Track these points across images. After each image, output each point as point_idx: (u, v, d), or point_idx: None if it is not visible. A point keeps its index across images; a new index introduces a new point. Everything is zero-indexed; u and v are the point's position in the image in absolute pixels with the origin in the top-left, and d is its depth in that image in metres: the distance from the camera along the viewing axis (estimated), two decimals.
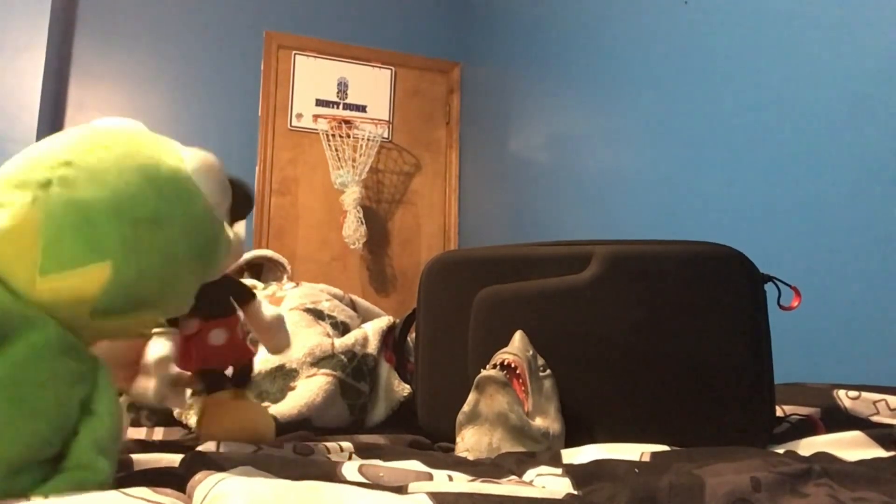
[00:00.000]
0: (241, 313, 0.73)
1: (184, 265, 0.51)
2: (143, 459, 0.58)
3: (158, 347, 0.67)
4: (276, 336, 0.72)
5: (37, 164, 0.49)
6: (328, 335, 0.99)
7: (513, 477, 0.55)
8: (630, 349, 0.79)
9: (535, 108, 2.75)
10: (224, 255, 0.59)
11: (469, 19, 3.49)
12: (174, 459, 0.60)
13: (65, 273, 0.44)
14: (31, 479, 0.43)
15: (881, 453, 0.67)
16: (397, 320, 1.08)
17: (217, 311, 0.72)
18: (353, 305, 1.16)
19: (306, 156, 3.27)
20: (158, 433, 0.90)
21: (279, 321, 0.73)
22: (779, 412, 0.87)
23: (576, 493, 0.49)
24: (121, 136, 0.53)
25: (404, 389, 0.97)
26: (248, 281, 0.80)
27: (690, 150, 1.87)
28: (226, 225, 0.59)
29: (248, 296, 0.74)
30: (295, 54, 3.29)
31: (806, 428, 0.82)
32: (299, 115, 3.27)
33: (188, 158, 0.55)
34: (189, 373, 0.70)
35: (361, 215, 3.12)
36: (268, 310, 0.73)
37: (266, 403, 0.85)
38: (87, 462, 0.45)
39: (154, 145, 0.54)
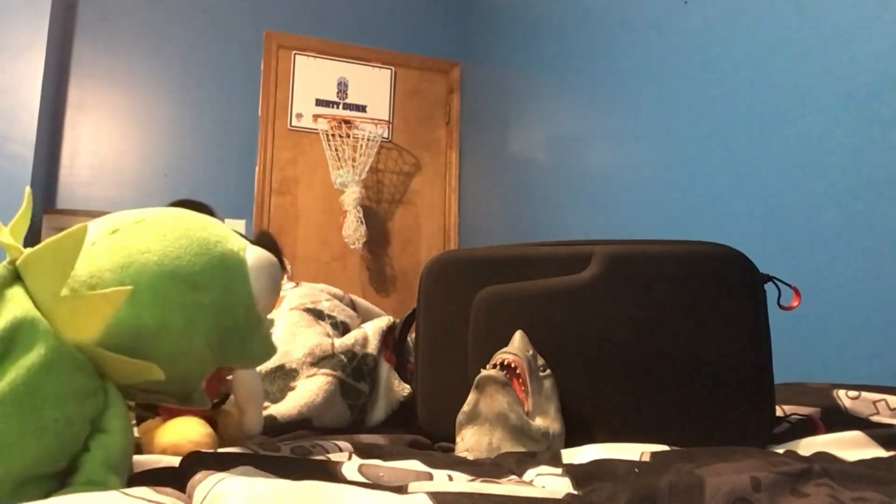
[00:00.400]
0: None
1: (204, 337, 0.52)
2: (142, 460, 0.58)
3: (251, 380, 0.68)
4: (248, 412, 0.68)
5: (118, 218, 0.53)
6: (328, 335, 0.99)
7: (513, 477, 0.55)
8: (630, 349, 0.79)
9: (535, 108, 2.75)
10: (253, 352, 0.59)
11: (469, 19, 3.49)
12: (174, 460, 0.60)
13: (88, 293, 0.46)
14: (37, 493, 0.43)
15: (881, 453, 0.67)
16: (397, 320, 1.08)
17: None
18: (353, 305, 1.16)
19: (306, 156, 3.27)
20: None
21: (258, 399, 0.70)
22: (779, 412, 0.87)
23: (576, 492, 0.49)
24: (195, 215, 0.56)
25: (404, 389, 0.97)
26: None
27: (690, 150, 1.87)
28: (265, 324, 0.59)
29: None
30: (295, 54, 3.29)
31: (806, 428, 0.82)
32: (299, 115, 3.27)
33: (250, 251, 0.57)
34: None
35: (361, 215, 3.12)
36: (254, 383, 0.70)
37: (266, 403, 0.85)
38: (99, 479, 0.46)
39: (223, 230, 0.56)
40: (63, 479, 0.46)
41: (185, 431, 0.65)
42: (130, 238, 0.50)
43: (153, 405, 0.76)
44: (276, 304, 1.04)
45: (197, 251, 0.52)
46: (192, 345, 0.51)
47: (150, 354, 0.49)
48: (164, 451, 0.64)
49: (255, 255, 0.56)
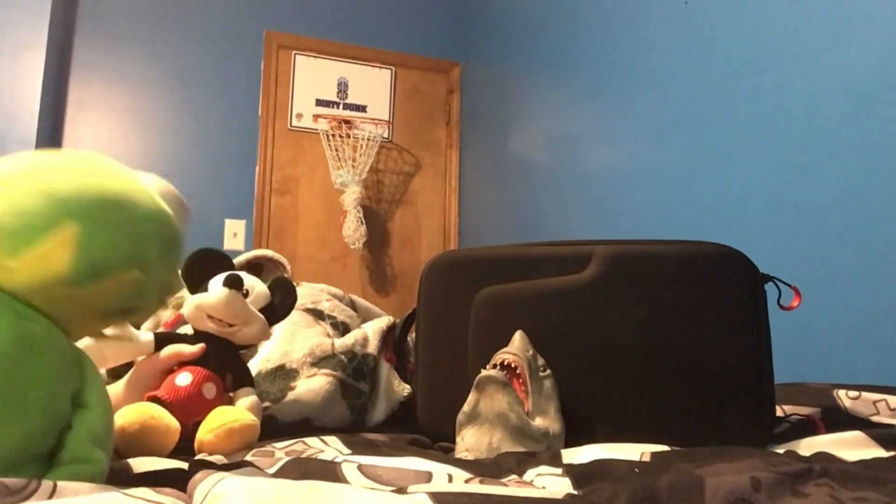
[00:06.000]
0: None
1: (151, 246, 0.53)
2: (142, 461, 0.58)
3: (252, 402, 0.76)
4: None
5: (9, 167, 0.51)
6: (328, 335, 0.99)
7: (513, 477, 0.55)
8: (630, 349, 0.79)
9: (535, 108, 2.75)
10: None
11: (469, 19, 3.49)
12: (173, 461, 0.60)
13: (34, 244, 0.45)
14: (29, 473, 0.43)
15: (881, 453, 0.67)
16: (397, 320, 1.08)
17: (217, 366, 0.76)
18: (353, 305, 1.16)
19: (306, 156, 3.27)
20: None
21: (256, 409, 0.77)
22: (779, 412, 0.87)
23: (576, 493, 0.49)
24: (80, 152, 0.56)
25: (404, 389, 0.97)
26: (245, 276, 0.81)
27: (690, 150, 1.87)
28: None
29: (247, 381, 0.79)
30: (295, 54, 3.29)
31: (806, 428, 0.82)
32: (299, 115, 3.27)
33: (148, 178, 0.58)
34: None
35: (361, 215, 3.12)
36: (255, 404, 0.77)
37: (266, 403, 0.85)
38: (84, 455, 0.46)
39: (113, 160, 0.57)
40: (52, 459, 0.46)
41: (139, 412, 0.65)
42: (38, 179, 0.48)
43: (120, 374, 0.78)
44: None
45: (107, 175, 0.52)
46: (143, 256, 0.52)
47: (116, 269, 0.49)
48: (118, 430, 0.63)
49: (156, 181, 0.59)
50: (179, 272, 0.61)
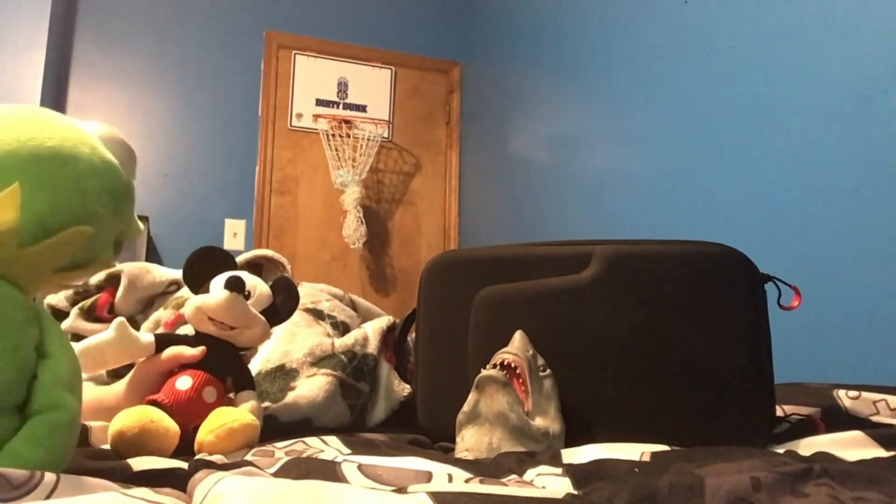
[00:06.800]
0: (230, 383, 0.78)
1: (97, 199, 0.52)
2: (142, 460, 0.58)
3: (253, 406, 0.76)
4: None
5: None
6: (328, 335, 0.99)
7: (513, 477, 0.55)
8: (630, 349, 0.79)
9: (535, 108, 2.75)
10: (135, 218, 0.60)
11: (469, 19, 3.49)
12: (173, 460, 0.60)
13: None
14: (4, 427, 0.44)
15: (881, 453, 0.67)
16: (397, 320, 1.07)
17: (218, 369, 0.76)
18: (353, 305, 1.16)
19: (306, 155, 3.27)
20: None
21: (257, 412, 0.76)
22: (779, 412, 0.87)
23: (576, 492, 0.49)
24: (15, 106, 0.55)
25: (404, 389, 0.97)
26: (247, 277, 0.81)
27: (690, 150, 1.87)
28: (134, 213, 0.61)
29: (248, 384, 0.80)
30: (295, 54, 3.29)
31: (806, 428, 0.82)
32: (299, 115, 3.27)
33: (90, 125, 0.57)
34: None
35: (361, 215, 3.12)
36: (256, 407, 0.77)
37: (266, 403, 0.85)
38: (55, 401, 0.46)
39: (51, 112, 0.56)
40: (22, 410, 0.46)
41: (138, 415, 0.65)
42: None
43: (121, 374, 0.78)
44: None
45: (44, 129, 0.51)
46: (91, 210, 0.52)
47: (58, 236, 0.49)
48: (117, 433, 0.63)
49: (98, 127, 0.58)
50: (136, 217, 0.60)
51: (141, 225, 0.62)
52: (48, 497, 0.37)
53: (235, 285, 0.76)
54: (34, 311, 0.49)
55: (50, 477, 0.38)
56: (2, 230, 0.45)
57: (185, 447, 0.67)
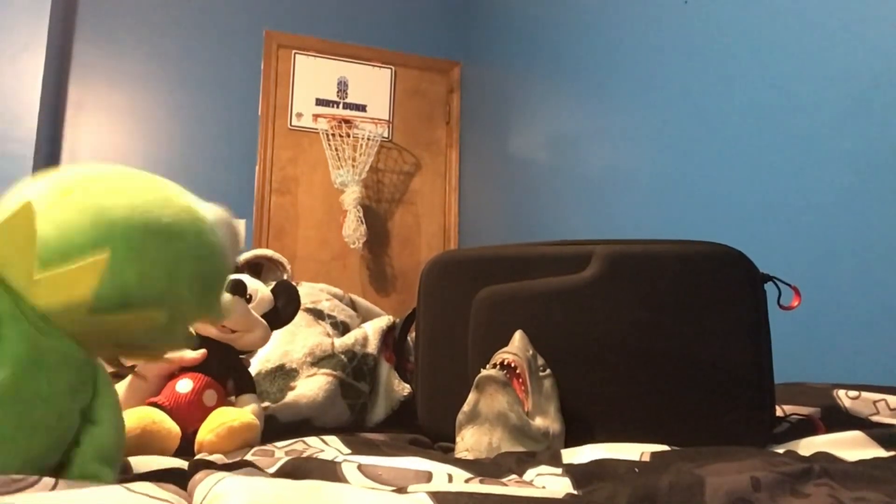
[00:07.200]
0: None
1: (188, 285, 0.51)
2: (142, 460, 0.58)
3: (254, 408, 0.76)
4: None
5: (66, 179, 0.49)
6: (328, 335, 0.99)
7: (513, 476, 0.55)
8: (630, 349, 0.79)
9: (535, 108, 2.75)
10: (221, 308, 0.59)
11: (469, 19, 3.49)
12: (172, 461, 0.60)
13: (68, 262, 0.44)
14: None
15: (881, 453, 0.67)
16: (397, 320, 1.08)
17: (218, 373, 0.75)
18: (353, 305, 1.16)
19: (306, 155, 3.27)
20: None
21: (258, 415, 0.77)
22: (779, 412, 0.87)
23: (576, 492, 0.49)
24: (143, 173, 0.54)
25: (404, 389, 0.97)
26: (249, 281, 0.81)
27: (690, 149, 1.87)
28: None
29: (249, 387, 0.80)
30: (295, 54, 3.29)
31: (806, 428, 0.82)
32: (299, 115, 3.27)
33: (207, 206, 0.56)
34: None
35: (361, 215, 3.12)
36: (257, 408, 0.77)
37: (266, 403, 0.85)
38: (92, 472, 0.45)
39: (176, 186, 0.55)
40: (57, 474, 0.45)
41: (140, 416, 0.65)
42: (90, 196, 0.47)
43: (122, 375, 0.78)
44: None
45: (163, 203, 0.50)
46: (177, 294, 0.50)
47: (137, 310, 0.47)
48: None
49: (212, 210, 0.56)
50: (222, 304, 0.58)
51: (226, 312, 0.61)
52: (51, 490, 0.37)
53: (237, 289, 0.76)
54: (91, 372, 0.48)
55: (47, 480, 0.38)
56: (80, 292, 0.44)
57: (185, 448, 0.68)
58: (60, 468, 0.45)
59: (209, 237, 0.53)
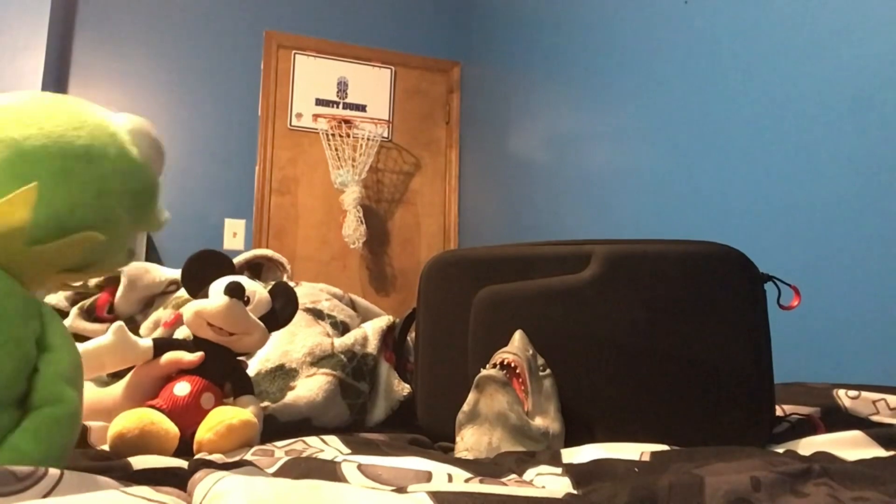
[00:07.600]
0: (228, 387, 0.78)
1: (118, 202, 0.52)
2: (141, 459, 0.58)
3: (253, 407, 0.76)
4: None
5: None
6: (328, 335, 0.99)
7: (513, 476, 0.55)
8: (630, 349, 0.79)
9: (534, 108, 2.75)
10: (160, 214, 0.59)
11: (469, 19, 3.49)
12: (173, 459, 0.60)
13: None
14: (4, 422, 0.44)
15: (881, 453, 0.67)
16: (397, 320, 1.07)
17: (216, 375, 0.75)
18: (352, 305, 1.16)
19: (306, 155, 3.27)
20: None
21: (259, 416, 0.76)
22: (779, 412, 0.87)
23: (576, 492, 0.49)
24: (49, 95, 0.54)
25: (404, 389, 0.97)
26: (247, 283, 0.80)
27: (690, 149, 1.87)
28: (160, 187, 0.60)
29: (248, 389, 0.79)
30: (295, 54, 3.29)
31: (806, 428, 0.82)
32: (299, 115, 3.27)
33: (120, 117, 0.57)
34: None
35: (361, 215, 3.12)
36: (257, 408, 0.77)
37: (265, 403, 0.85)
38: (55, 395, 0.46)
39: (83, 102, 0.55)
40: (23, 404, 0.46)
41: (138, 417, 0.65)
42: (2, 131, 0.47)
43: (121, 374, 0.78)
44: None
45: (76, 125, 0.50)
46: (109, 212, 0.51)
47: (77, 230, 0.48)
48: (117, 435, 0.63)
49: (129, 121, 0.57)
50: (160, 210, 0.59)
51: (167, 214, 0.61)
52: (49, 493, 0.37)
53: (235, 291, 0.75)
54: (35, 304, 0.49)
55: (54, 472, 0.38)
56: (12, 228, 0.44)
57: (184, 448, 0.67)
58: (25, 399, 0.46)
59: (129, 151, 0.54)
